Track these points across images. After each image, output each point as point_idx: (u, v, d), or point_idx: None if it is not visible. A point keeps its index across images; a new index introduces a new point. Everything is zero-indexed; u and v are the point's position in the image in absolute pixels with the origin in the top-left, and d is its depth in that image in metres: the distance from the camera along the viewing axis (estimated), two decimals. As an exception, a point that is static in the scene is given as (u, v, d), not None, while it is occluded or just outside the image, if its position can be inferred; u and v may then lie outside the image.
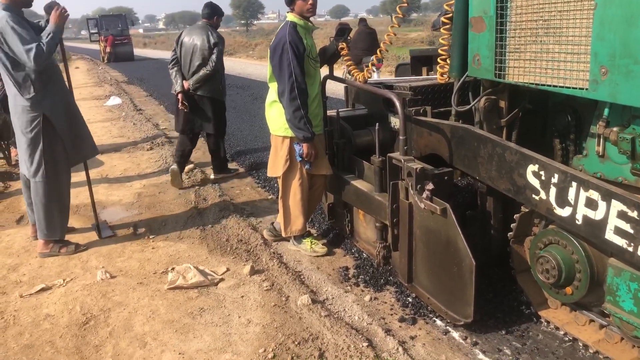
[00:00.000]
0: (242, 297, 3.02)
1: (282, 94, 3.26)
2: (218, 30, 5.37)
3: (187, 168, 5.74)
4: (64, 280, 3.30)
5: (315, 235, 3.87)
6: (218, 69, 5.13)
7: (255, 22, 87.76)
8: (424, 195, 2.65)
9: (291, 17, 3.33)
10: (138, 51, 35.81)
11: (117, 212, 4.63)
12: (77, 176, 5.73)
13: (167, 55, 34.75)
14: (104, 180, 5.63)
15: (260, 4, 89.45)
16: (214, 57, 5.08)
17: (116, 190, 5.24)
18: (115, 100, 11.76)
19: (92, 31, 29.98)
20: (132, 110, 10.38)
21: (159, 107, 11.13)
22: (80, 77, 19.50)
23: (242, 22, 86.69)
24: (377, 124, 3.14)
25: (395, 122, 3.33)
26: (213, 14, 5.32)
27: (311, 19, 3.42)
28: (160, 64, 25.40)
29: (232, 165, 5.87)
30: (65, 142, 3.64)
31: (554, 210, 2.27)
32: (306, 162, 3.35)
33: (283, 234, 3.64)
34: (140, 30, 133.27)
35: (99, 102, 12.07)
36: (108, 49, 27.89)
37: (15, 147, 6.28)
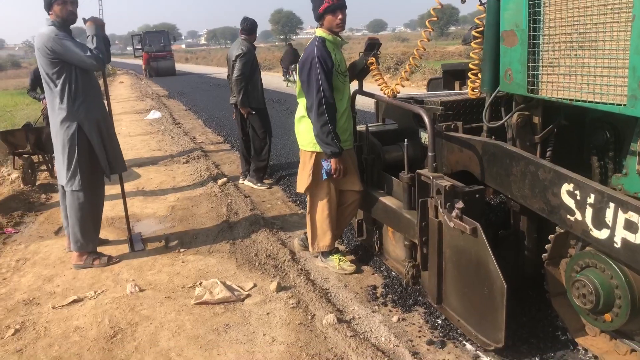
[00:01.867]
0: (268, 314, 3.00)
1: (310, 108, 3.26)
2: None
3: (220, 182, 5.82)
4: (95, 292, 3.36)
5: (345, 251, 3.83)
6: (240, 79, 5.42)
7: (294, 37, 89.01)
8: (454, 213, 2.57)
9: (320, 32, 3.33)
10: (180, 66, 36.82)
11: (150, 225, 4.71)
12: (114, 188, 5.88)
13: (207, 70, 35.49)
14: (139, 193, 5.75)
15: (298, 19, 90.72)
16: (236, 69, 5.45)
17: (151, 203, 5.34)
18: (155, 114, 12.09)
19: (136, 47, 31.07)
20: (171, 124, 10.62)
21: (197, 121, 11.36)
22: (124, 91, 20.18)
23: (281, 37, 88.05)
24: (405, 139, 3.08)
25: (425, 137, 3.26)
26: (253, 29, 5.65)
27: (342, 33, 3.42)
28: (201, 79, 26.05)
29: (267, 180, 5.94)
30: (98, 154, 3.74)
31: (591, 232, 2.15)
32: (332, 176, 3.30)
33: (310, 250, 3.61)
34: (183, 46, 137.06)
35: (139, 115, 12.44)
36: (143, 66, 28.75)
37: None
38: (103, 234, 4.35)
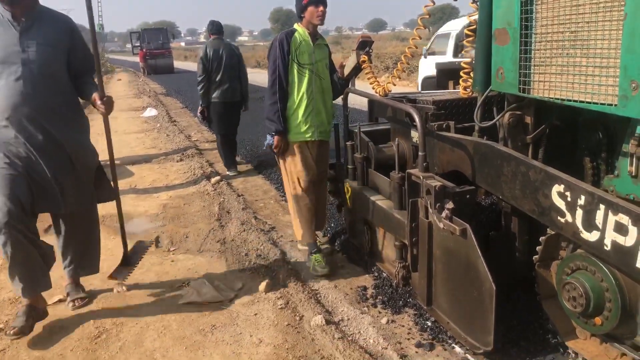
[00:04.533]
0: (256, 315, 2.96)
1: (268, 88, 3.47)
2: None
3: (213, 180, 5.78)
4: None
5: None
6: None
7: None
8: (444, 214, 2.53)
9: (295, 25, 3.51)
10: (179, 64, 36.65)
11: (141, 224, 4.67)
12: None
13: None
14: (132, 191, 5.70)
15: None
16: (244, 70, 6.18)
17: (143, 201, 5.30)
18: (151, 112, 12.03)
19: (135, 44, 30.94)
20: (167, 122, 10.57)
21: (193, 119, 11.29)
22: (121, 89, 20.12)
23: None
24: (397, 139, 3.04)
25: (417, 136, 3.22)
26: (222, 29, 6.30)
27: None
28: (199, 77, 25.92)
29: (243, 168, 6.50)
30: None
31: (581, 235, 2.11)
32: (274, 152, 3.54)
33: (299, 246, 3.68)
34: (182, 44, 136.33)
35: (136, 113, 12.37)
36: (141, 64, 28.57)
37: None
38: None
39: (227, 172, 6.23)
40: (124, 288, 3.33)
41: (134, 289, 3.33)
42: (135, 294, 3.27)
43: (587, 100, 2.09)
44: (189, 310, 3.02)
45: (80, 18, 3.52)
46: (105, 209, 4.92)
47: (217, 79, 5.95)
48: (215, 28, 6.16)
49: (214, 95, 6.01)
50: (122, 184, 5.91)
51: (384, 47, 31.63)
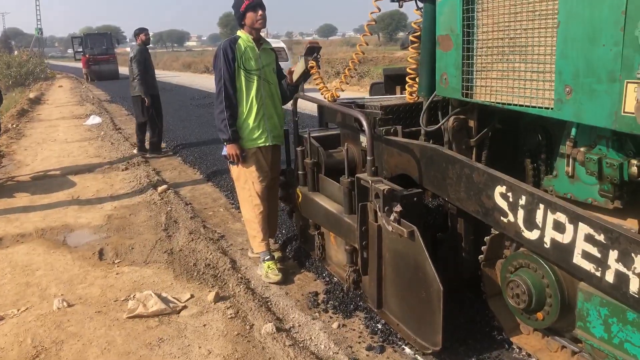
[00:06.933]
0: (205, 325, 2.88)
1: (215, 98, 3.44)
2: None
3: (160, 189, 5.62)
4: (18, 310, 3.13)
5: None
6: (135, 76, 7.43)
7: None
8: (392, 217, 2.55)
9: (238, 32, 3.47)
10: (124, 70, 35.60)
11: (84, 236, 4.47)
12: (47, 198, 5.59)
13: (152, 74, 34.67)
14: (74, 202, 5.46)
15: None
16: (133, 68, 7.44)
17: (86, 213, 5.08)
18: (94, 120, 11.59)
19: (77, 50, 29.75)
20: (111, 130, 10.22)
21: (139, 126, 10.96)
22: (63, 96, 19.35)
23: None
24: (346, 144, 3.05)
25: (365, 141, 3.25)
26: (137, 33, 7.78)
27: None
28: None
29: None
30: None
31: (522, 233, 2.19)
32: (230, 161, 3.47)
33: (250, 254, 3.59)
34: (128, 49, 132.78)
35: (78, 121, 11.89)
36: (84, 70, 27.57)
37: None
38: (32, 247, 4.11)
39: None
40: None
41: (77, 305, 3.17)
42: (77, 309, 3.12)
43: (526, 104, 2.17)
44: (134, 325, 2.91)
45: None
46: (45, 222, 4.72)
47: None
48: None
49: None
50: (64, 195, 5.68)
51: (335, 52, 31.92)
